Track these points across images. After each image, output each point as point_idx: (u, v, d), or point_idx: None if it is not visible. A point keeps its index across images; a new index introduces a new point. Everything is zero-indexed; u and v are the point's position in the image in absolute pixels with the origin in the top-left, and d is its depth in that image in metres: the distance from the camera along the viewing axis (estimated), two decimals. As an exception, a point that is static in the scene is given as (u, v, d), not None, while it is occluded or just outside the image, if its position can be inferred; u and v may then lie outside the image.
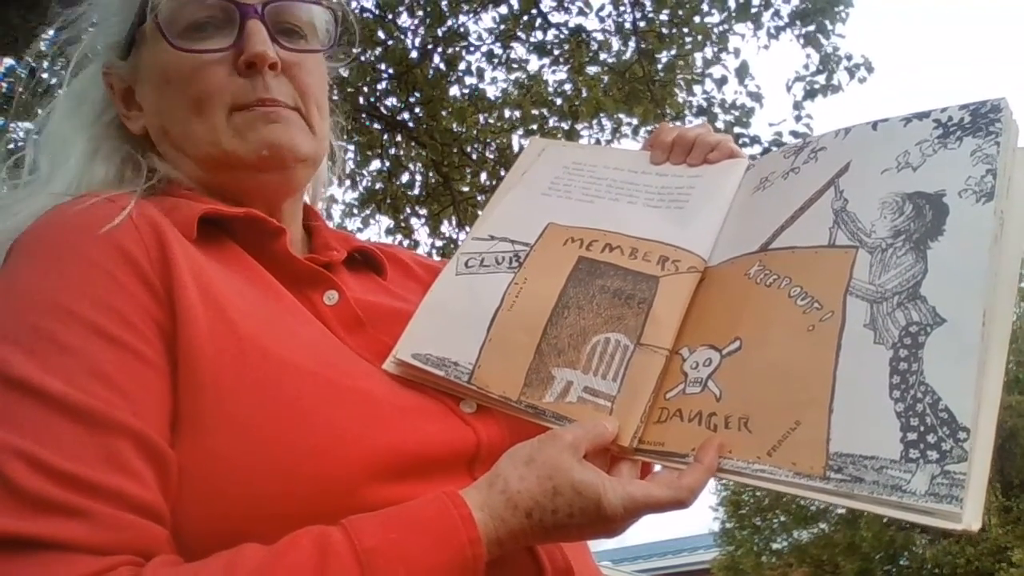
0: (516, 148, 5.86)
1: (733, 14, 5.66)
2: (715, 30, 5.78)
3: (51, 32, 0.93)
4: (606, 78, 5.74)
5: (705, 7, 5.72)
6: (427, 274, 0.95)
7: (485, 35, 5.78)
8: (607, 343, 0.78)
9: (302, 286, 0.81)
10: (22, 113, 0.90)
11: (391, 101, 5.84)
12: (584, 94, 5.68)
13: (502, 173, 5.57)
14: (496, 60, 5.80)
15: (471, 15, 5.68)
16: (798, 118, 5.75)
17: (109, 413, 0.63)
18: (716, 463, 0.69)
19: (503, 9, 5.66)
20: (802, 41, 5.79)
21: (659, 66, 5.78)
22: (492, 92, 5.98)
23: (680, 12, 5.65)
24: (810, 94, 5.84)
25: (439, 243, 6.06)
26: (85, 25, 0.89)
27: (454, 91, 5.83)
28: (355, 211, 6.25)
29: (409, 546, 0.62)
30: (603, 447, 0.71)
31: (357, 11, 5.32)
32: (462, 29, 5.69)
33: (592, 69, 5.82)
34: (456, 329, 0.81)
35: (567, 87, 5.88)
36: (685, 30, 5.75)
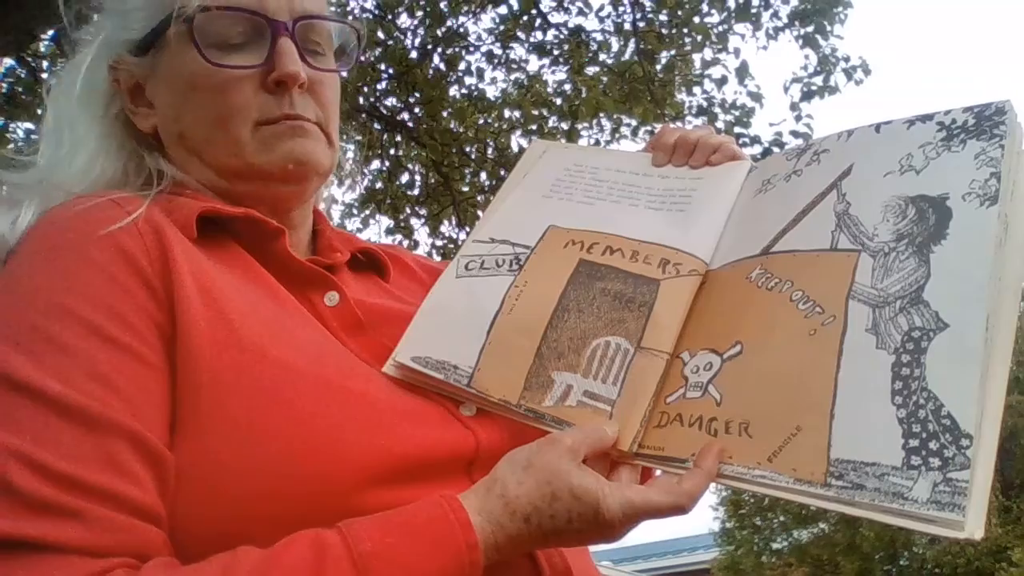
0: (516, 148, 5.86)
1: (732, 14, 5.66)
2: (715, 30, 5.77)
3: (51, 32, 0.92)
4: (606, 78, 5.74)
5: (705, 7, 5.72)
6: (428, 276, 0.95)
7: (485, 35, 5.79)
8: (607, 346, 0.77)
9: (303, 287, 0.80)
10: (21, 113, 0.89)
11: (391, 101, 5.84)
12: (584, 94, 5.67)
13: (502, 173, 5.57)
14: (496, 60, 5.80)
15: (471, 16, 5.68)
16: (798, 118, 5.76)
17: (107, 414, 0.63)
18: (716, 468, 0.69)
19: (503, 9, 5.66)
20: (801, 42, 5.80)
21: (659, 66, 5.77)
22: (492, 92, 5.98)
23: (680, 12, 5.65)
24: (807, 95, 5.85)
25: (439, 243, 6.06)
26: (101, 16, 0.88)
27: (454, 91, 5.82)
28: (355, 211, 6.26)
29: (406, 550, 0.61)
30: (603, 452, 0.71)
31: (357, 11, 5.32)
32: (462, 29, 5.69)
33: (592, 69, 5.81)
34: (456, 332, 0.80)
35: (567, 87, 5.87)
36: (685, 30, 5.75)
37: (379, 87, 5.57)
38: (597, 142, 5.92)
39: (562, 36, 5.70)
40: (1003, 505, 13.21)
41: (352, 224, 6.22)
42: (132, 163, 0.84)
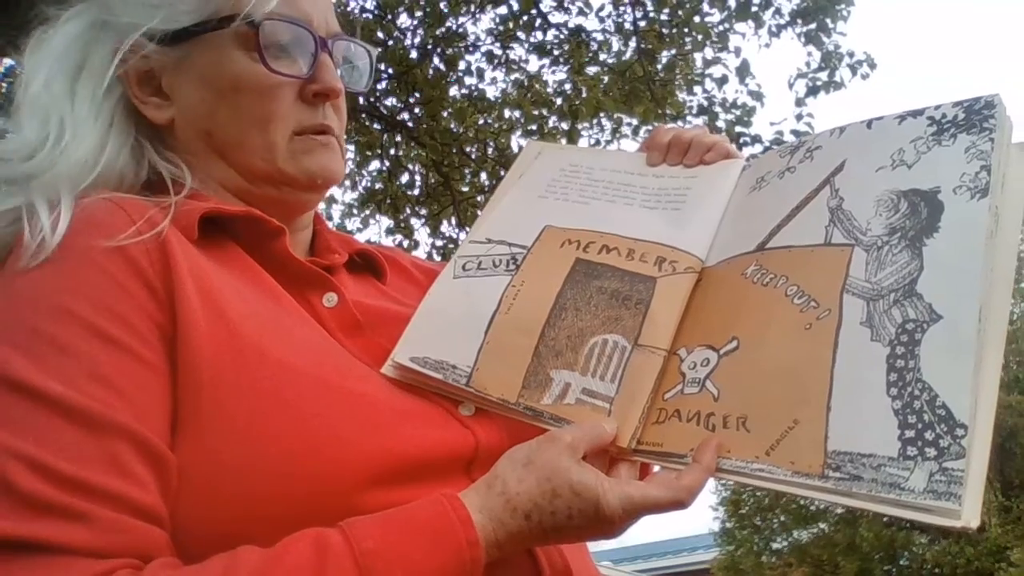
0: (516, 148, 5.86)
1: (733, 13, 5.66)
2: (715, 29, 5.77)
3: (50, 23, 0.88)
4: (606, 78, 5.74)
5: (705, 6, 5.71)
6: (426, 278, 0.95)
7: (485, 36, 5.79)
8: (605, 344, 0.78)
9: (301, 287, 0.81)
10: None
11: (391, 101, 5.84)
12: (584, 94, 5.68)
13: (502, 173, 5.55)
14: (496, 60, 5.80)
15: (471, 16, 5.68)
16: (799, 117, 5.75)
17: (109, 416, 0.63)
18: (715, 463, 0.69)
19: (503, 10, 5.66)
20: (803, 39, 5.79)
21: (659, 66, 5.77)
22: (492, 92, 5.98)
23: (680, 12, 5.65)
24: (812, 91, 5.84)
25: (439, 243, 6.06)
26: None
27: (454, 91, 5.83)
28: (355, 211, 6.26)
29: (407, 548, 0.62)
30: (602, 448, 0.71)
31: (357, 11, 5.32)
32: (461, 30, 5.69)
33: (592, 69, 5.82)
34: (454, 333, 0.81)
35: (567, 87, 5.88)
36: (685, 29, 5.74)
37: (379, 87, 5.57)
38: (597, 142, 5.92)
39: (562, 36, 5.70)
40: (1003, 505, 13.20)
41: (352, 224, 6.23)
42: (131, 161, 0.82)
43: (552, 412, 0.75)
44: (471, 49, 5.83)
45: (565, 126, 5.78)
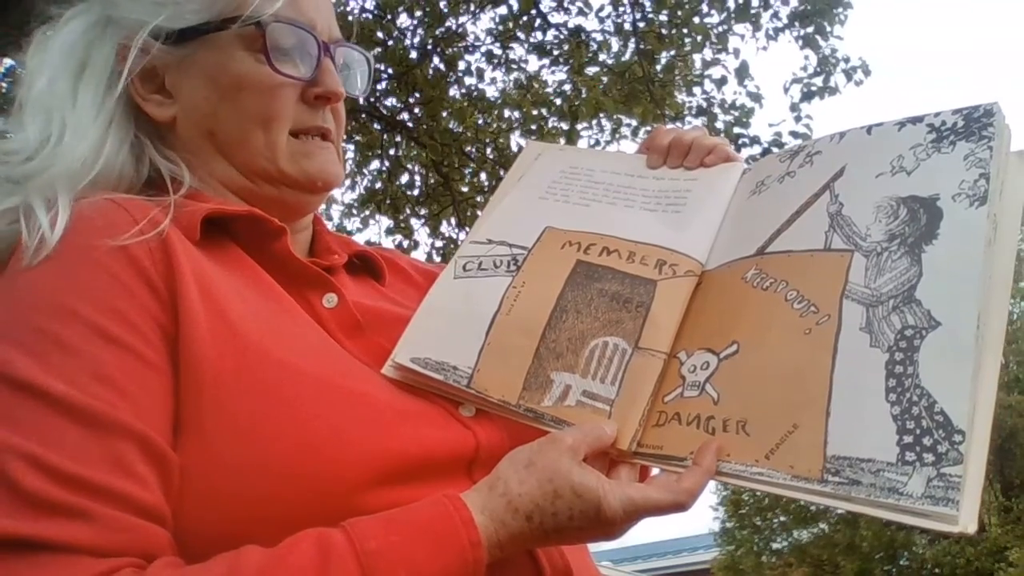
0: (516, 148, 5.85)
1: (732, 15, 5.66)
2: (714, 31, 5.77)
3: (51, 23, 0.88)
4: (606, 78, 5.74)
5: (704, 8, 5.72)
6: (425, 280, 0.95)
7: (484, 36, 5.79)
8: (605, 347, 0.78)
9: (301, 288, 0.81)
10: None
11: (391, 101, 5.84)
12: (584, 94, 5.68)
13: (502, 173, 5.54)
14: (496, 60, 5.80)
15: (470, 16, 5.68)
16: (798, 118, 5.76)
17: (112, 415, 0.63)
18: (715, 466, 0.70)
19: (503, 10, 5.66)
20: (800, 43, 5.79)
21: (658, 67, 5.77)
22: (492, 92, 5.98)
23: (679, 13, 5.65)
24: (807, 96, 5.85)
25: (439, 243, 6.06)
26: None
27: (454, 91, 5.83)
28: (355, 211, 6.26)
29: (410, 549, 0.62)
30: (602, 450, 0.72)
31: (357, 11, 5.32)
32: (461, 30, 5.69)
33: (592, 69, 5.82)
34: (455, 333, 0.81)
35: (567, 87, 5.88)
36: (684, 31, 5.74)
37: (379, 87, 5.57)
38: (597, 142, 5.92)
39: (562, 36, 5.70)
40: (1003, 505, 13.20)
41: (352, 224, 6.23)
42: (130, 159, 0.82)
43: (553, 414, 0.75)
44: (471, 49, 5.83)
45: (565, 126, 5.78)
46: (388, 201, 6.04)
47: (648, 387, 0.76)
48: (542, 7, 5.63)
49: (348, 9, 5.24)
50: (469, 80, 5.87)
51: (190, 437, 0.67)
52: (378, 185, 6.13)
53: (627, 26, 5.67)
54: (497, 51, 5.80)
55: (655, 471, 0.76)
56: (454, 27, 5.67)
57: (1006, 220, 0.73)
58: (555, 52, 5.72)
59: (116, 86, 0.82)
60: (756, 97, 5.76)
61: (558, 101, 5.87)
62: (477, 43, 5.83)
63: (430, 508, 0.65)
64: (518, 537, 0.66)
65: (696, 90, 5.97)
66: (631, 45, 5.66)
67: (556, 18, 5.71)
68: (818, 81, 5.85)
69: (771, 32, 5.74)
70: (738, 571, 15.13)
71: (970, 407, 0.63)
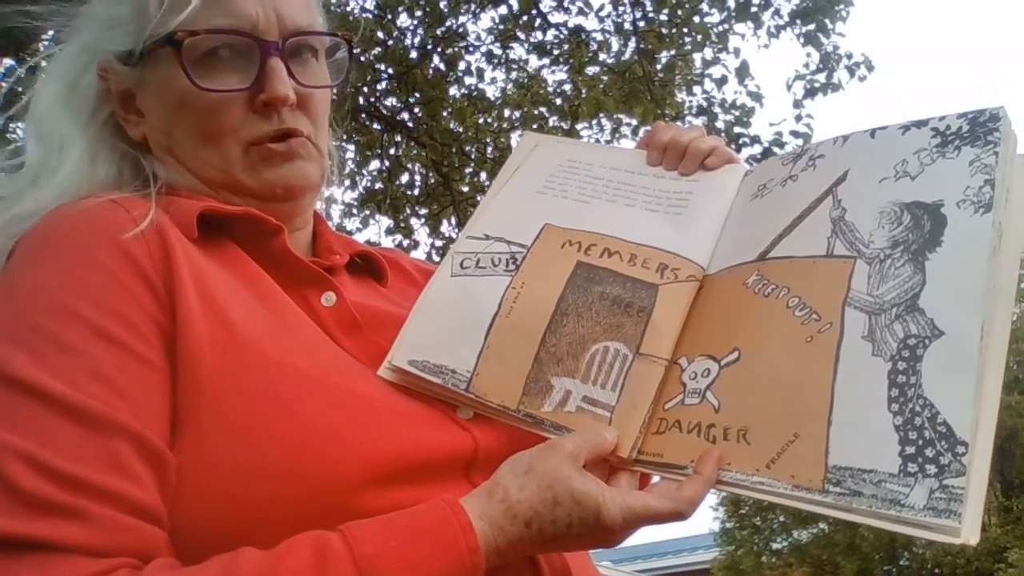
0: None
1: (733, 14, 5.66)
2: (715, 30, 5.77)
3: (51, 32, 0.90)
4: (606, 78, 5.73)
5: (705, 7, 5.71)
6: (426, 280, 0.95)
7: (484, 35, 5.79)
8: (606, 352, 0.77)
9: (300, 286, 0.80)
10: (22, 113, 0.88)
11: (391, 101, 5.84)
12: (584, 94, 5.67)
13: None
14: (496, 60, 5.80)
15: (470, 16, 5.68)
16: (798, 118, 5.75)
17: (109, 415, 0.63)
18: (715, 475, 0.69)
19: (503, 9, 5.65)
20: (802, 40, 5.79)
21: (659, 66, 5.77)
22: (492, 92, 5.98)
23: (680, 12, 5.65)
24: (810, 92, 5.84)
25: (439, 243, 6.06)
26: (87, 20, 0.86)
27: (454, 91, 5.82)
28: (354, 211, 6.25)
29: (408, 553, 0.62)
30: (602, 457, 0.71)
31: (357, 11, 5.31)
32: (461, 29, 5.69)
33: (592, 69, 5.81)
34: (453, 335, 0.80)
35: (567, 87, 5.87)
36: (685, 30, 5.74)
37: (379, 87, 5.57)
38: (597, 142, 5.92)
39: (562, 36, 5.70)
40: (1003, 505, 13.20)
41: (352, 224, 6.22)
42: (127, 164, 0.84)
43: (552, 420, 0.74)
44: (471, 49, 5.83)
45: (565, 126, 5.78)
46: (388, 201, 6.04)
47: (649, 394, 0.75)
48: (542, 7, 5.62)
49: (349, 9, 5.23)
50: (469, 80, 5.87)
51: (188, 437, 0.66)
52: (378, 185, 6.13)
53: (627, 25, 5.67)
54: (497, 51, 5.80)
55: (655, 479, 0.75)
56: (454, 27, 5.66)
57: (1011, 227, 0.72)
58: (555, 52, 5.72)
59: (103, 109, 0.85)
60: (757, 96, 5.77)
61: (558, 101, 5.87)
62: (477, 43, 5.83)
63: (428, 513, 0.65)
64: (517, 543, 0.66)
65: (696, 89, 5.98)
66: (631, 45, 5.66)
67: (556, 18, 5.72)
68: (821, 78, 5.85)
69: (772, 30, 5.74)
70: (738, 571, 15.14)
71: (973, 418, 0.63)
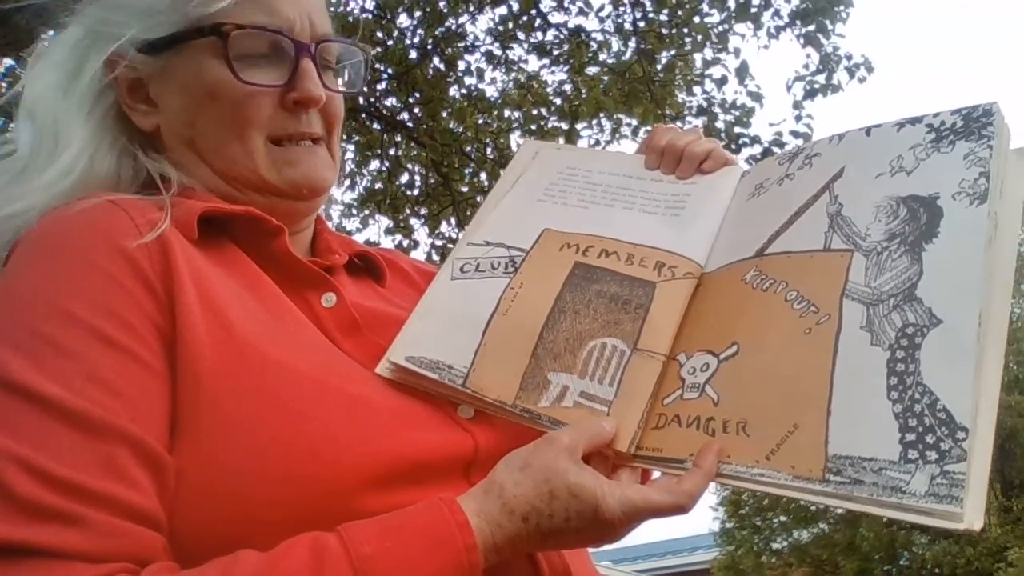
0: (516, 148, 5.83)
1: (733, 14, 5.66)
2: (715, 30, 5.77)
3: (50, 32, 0.90)
4: (606, 78, 5.73)
5: (705, 7, 5.71)
6: (425, 281, 0.95)
7: (484, 36, 5.78)
8: (604, 348, 0.77)
9: (300, 287, 0.81)
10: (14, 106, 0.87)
11: (391, 101, 5.83)
12: (584, 94, 5.67)
13: (502, 173, 5.54)
14: (496, 60, 5.80)
15: (470, 16, 5.67)
16: (798, 118, 5.75)
17: (107, 419, 0.63)
18: (715, 468, 0.69)
19: (503, 10, 5.65)
20: (802, 41, 5.79)
21: (659, 66, 5.77)
22: (492, 92, 5.98)
23: (680, 12, 5.65)
24: (810, 94, 5.84)
25: (439, 243, 6.05)
26: (96, 8, 0.85)
27: (454, 91, 5.82)
28: (354, 211, 6.25)
29: (405, 553, 0.62)
30: (601, 447, 0.71)
31: (357, 11, 5.32)
32: (461, 30, 5.69)
33: (592, 69, 5.81)
34: (451, 333, 0.80)
35: (567, 87, 5.87)
36: (685, 30, 5.74)
37: (379, 87, 5.57)
38: (597, 142, 5.92)
39: (562, 36, 5.70)
40: (1003, 505, 13.20)
41: (351, 224, 6.22)
42: (125, 162, 0.83)
43: (549, 415, 0.75)
44: (471, 49, 5.82)
45: (565, 126, 5.78)
46: (388, 201, 6.04)
47: (647, 388, 0.75)
48: (542, 7, 5.62)
49: (348, 9, 5.24)
50: (469, 80, 5.87)
51: (187, 439, 0.66)
52: (378, 185, 6.13)
53: (627, 26, 5.67)
54: (497, 51, 5.80)
55: (655, 475, 0.75)
56: (454, 27, 5.66)
57: (1006, 218, 0.73)
58: (555, 52, 5.71)
59: (105, 97, 0.84)
60: (757, 97, 5.76)
61: (558, 101, 5.87)
62: (477, 43, 5.82)
63: (425, 512, 0.65)
64: (515, 540, 0.66)
65: (696, 90, 5.97)
66: (631, 45, 5.66)
67: (556, 18, 5.72)
68: (821, 79, 5.85)
69: (772, 30, 5.74)
70: (738, 571, 15.14)
71: (973, 404, 0.63)
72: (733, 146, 5.55)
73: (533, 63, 5.87)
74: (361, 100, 5.23)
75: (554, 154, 1.00)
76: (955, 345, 0.66)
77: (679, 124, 5.62)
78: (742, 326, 0.76)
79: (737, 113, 5.79)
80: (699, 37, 5.74)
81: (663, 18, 5.72)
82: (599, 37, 5.79)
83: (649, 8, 5.69)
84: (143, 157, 0.83)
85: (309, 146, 0.85)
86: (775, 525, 15.26)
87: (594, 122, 5.90)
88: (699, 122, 5.78)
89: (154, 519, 0.63)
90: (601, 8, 5.70)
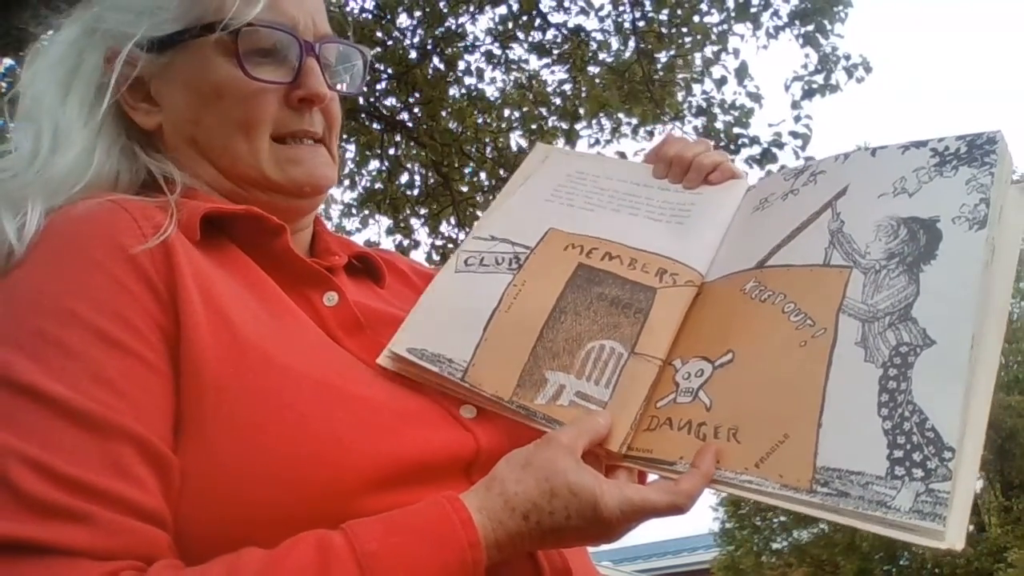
0: (516, 148, 5.86)
1: (732, 14, 5.66)
2: (714, 30, 5.77)
3: (50, 32, 0.90)
4: (606, 78, 5.74)
5: (704, 7, 5.72)
6: (424, 283, 0.95)
7: (484, 36, 5.79)
8: (602, 350, 0.78)
9: (302, 287, 0.81)
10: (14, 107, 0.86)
11: (391, 101, 5.84)
12: (584, 93, 5.68)
13: (502, 173, 5.57)
14: (496, 60, 5.80)
15: (470, 16, 5.68)
16: (797, 118, 5.75)
17: (112, 418, 0.63)
18: (713, 469, 0.70)
19: (503, 9, 5.66)
20: (801, 41, 5.79)
21: (658, 66, 5.78)
22: (491, 92, 5.98)
23: (679, 12, 5.65)
24: (808, 94, 5.85)
25: (439, 243, 6.06)
26: (94, 5, 0.85)
27: (453, 91, 5.83)
28: (354, 211, 6.26)
29: (410, 550, 0.62)
30: (598, 443, 0.72)
31: (356, 11, 5.32)
32: (461, 29, 5.69)
33: (592, 69, 5.82)
34: (453, 327, 0.81)
35: (567, 87, 5.88)
36: (684, 30, 5.75)
37: (379, 87, 5.57)
38: (597, 142, 5.93)
39: (562, 36, 5.70)
40: (1003, 505, 13.21)
41: (351, 224, 6.23)
42: (125, 161, 0.83)
43: (545, 412, 0.75)
44: (471, 49, 5.83)
45: (565, 126, 5.78)
46: (388, 201, 6.04)
47: (642, 391, 0.76)
48: (542, 7, 5.63)
49: (348, 9, 5.24)
50: (469, 80, 5.88)
51: (191, 439, 0.67)
52: (378, 185, 6.13)
53: (627, 25, 5.68)
54: (497, 51, 5.80)
55: (652, 477, 0.76)
56: (454, 27, 5.66)
57: (1003, 245, 0.74)
58: (555, 52, 5.72)
59: (105, 95, 0.83)
60: (756, 97, 5.77)
61: (558, 101, 5.87)
62: (477, 43, 5.83)
63: (429, 510, 0.65)
64: (516, 537, 0.66)
65: (696, 90, 5.98)
66: (631, 44, 5.66)
67: (556, 18, 5.72)
68: (819, 79, 5.85)
69: (771, 30, 5.74)
70: (738, 571, 15.16)
71: (961, 425, 0.64)
72: (732, 146, 5.55)
73: (533, 63, 5.88)
74: (361, 100, 5.23)
75: (564, 158, 1.01)
76: (947, 366, 0.66)
77: (678, 124, 5.63)
78: (739, 335, 0.77)
79: (736, 113, 5.79)
80: (699, 37, 5.74)
81: (663, 18, 5.72)
82: (599, 37, 5.80)
83: (649, 8, 5.69)
84: (144, 157, 0.83)
85: (311, 145, 0.86)
86: (775, 525, 15.28)
87: (594, 121, 5.91)
88: (698, 122, 5.79)
89: (160, 517, 0.63)
90: (601, 8, 5.72)
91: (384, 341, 0.80)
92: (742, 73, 5.71)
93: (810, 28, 5.75)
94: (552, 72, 5.92)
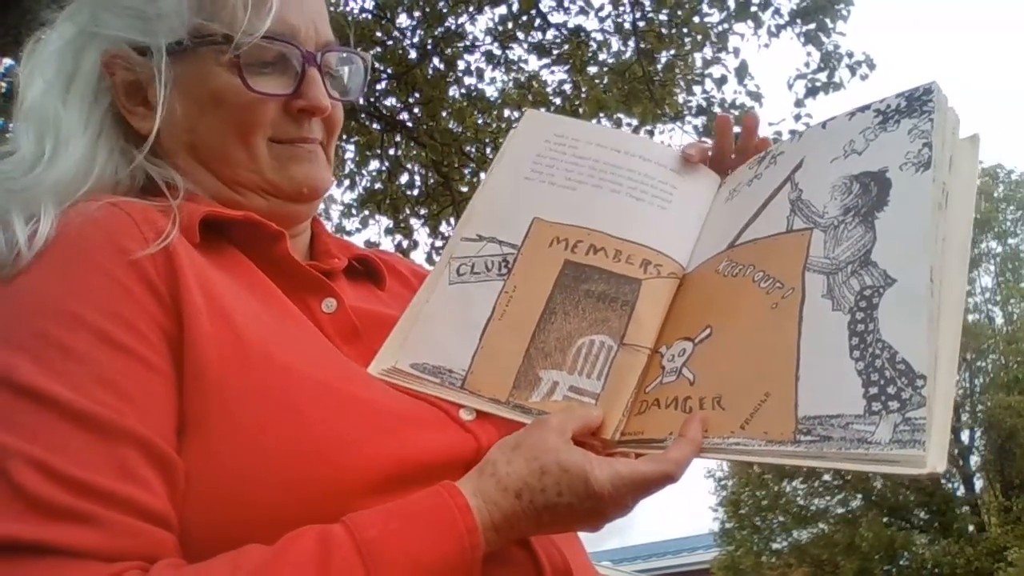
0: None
1: (733, 13, 5.66)
2: (715, 30, 5.78)
3: (46, 29, 0.89)
4: (606, 78, 5.74)
5: (705, 7, 5.72)
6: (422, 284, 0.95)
7: (484, 36, 5.79)
8: (592, 344, 0.81)
9: (301, 292, 0.81)
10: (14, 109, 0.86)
11: (391, 101, 5.84)
12: (584, 94, 5.68)
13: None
14: (495, 60, 5.80)
15: (469, 16, 5.68)
16: (797, 117, 5.76)
17: (116, 420, 0.64)
18: (700, 436, 0.71)
19: (503, 9, 5.66)
20: (803, 39, 5.79)
21: (659, 66, 5.78)
22: (491, 92, 5.99)
23: (680, 12, 5.66)
24: (811, 92, 5.84)
25: (439, 243, 6.06)
26: (93, 8, 0.84)
27: (453, 91, 5.83)
28: (354, 211, 6.26)
29: (409, 536, 0.64)
30: (588, 440, 0.73)
31: (356, 11, 5.32)
32: (460, 30, 5.69)
33: (592, 69, 5.82)
34: (452, 339, 0.83)
35: (567, 87, 5.88)
36: (685, 30, 5.75)
37: (379, 87, 5.58)
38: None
39: (562, 36, 5.70)
40: (1003, 505, 13.21)
41: (351, 224, 6.23)
42: (124, 165, 0.82)
43: (540, 408, 0.78)
44: (470, 49, 5.83)
45: (564, 126, 5.75)
46: (388, 201, 6.05)
47: (632, 380, 0.79)
48: (542, 7, 5.63)
49: (348, 9, 5.24)
50: (469, 80, 5.88)
51: (194, 440, 0.67)
52: (378, 185, 6.14)
53: (627, 25, 5.68)
54: (497, 51, 5.81)
55: None
56: (453, 27, 5.67)
57: (956, 190, 0.77)
58: (555, 52, 5.72)
59: (103, 98, 0.83)
60: (756, 96, 5.77)
61: (558, 101, 5.87)
62: (477, 43, 5.83)
63: (427, 499, 0.67)
64: (512, 517, 0.67)
65: (696, 89, 5.98)
66: (631, 44, 5.67)
67: (556, 18, 5.73)
68: (822, 77, 5.85)
69: (772, 29, 5.73)
70: (738, 571, 15.15)
71: (930, 352, 0.66)
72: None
73: (533, 63, 5.89)
74: (361, 100, 5.23)
75: (540, 120, 1.02)
76: (909, 301, 0.69)
77: (678, 124, 5.62)
78: (714, 311, 0.80)
79: (737, 113, 5.79)
80: (699, 37, 5.74)
81: (663, 18, 5.73)
82: (599, 37, 5.81)
83: (649, 8, 5.70)
84: (144, 162, 0.82)
85: (309, 147, 0.86)
86: (775, 525, 15.27)
87: (593, 121, 5.91)
88: (698, 122, 5.79)
89: (165, 518, 0.64)
90: (601, 8, 5.72)
91: (381, 347, 0.81)
92: (742, 72, 5.71)
93: (812, 26, 5.74)
94: (552, 72, 5.93)
